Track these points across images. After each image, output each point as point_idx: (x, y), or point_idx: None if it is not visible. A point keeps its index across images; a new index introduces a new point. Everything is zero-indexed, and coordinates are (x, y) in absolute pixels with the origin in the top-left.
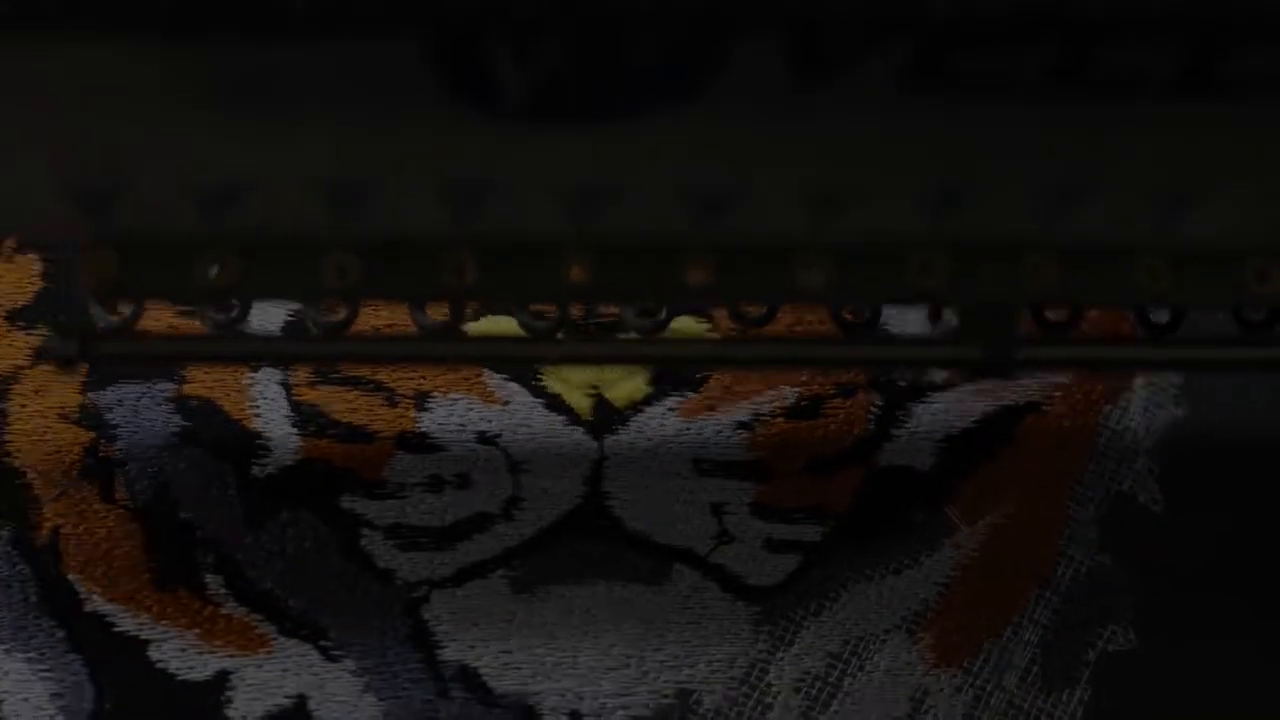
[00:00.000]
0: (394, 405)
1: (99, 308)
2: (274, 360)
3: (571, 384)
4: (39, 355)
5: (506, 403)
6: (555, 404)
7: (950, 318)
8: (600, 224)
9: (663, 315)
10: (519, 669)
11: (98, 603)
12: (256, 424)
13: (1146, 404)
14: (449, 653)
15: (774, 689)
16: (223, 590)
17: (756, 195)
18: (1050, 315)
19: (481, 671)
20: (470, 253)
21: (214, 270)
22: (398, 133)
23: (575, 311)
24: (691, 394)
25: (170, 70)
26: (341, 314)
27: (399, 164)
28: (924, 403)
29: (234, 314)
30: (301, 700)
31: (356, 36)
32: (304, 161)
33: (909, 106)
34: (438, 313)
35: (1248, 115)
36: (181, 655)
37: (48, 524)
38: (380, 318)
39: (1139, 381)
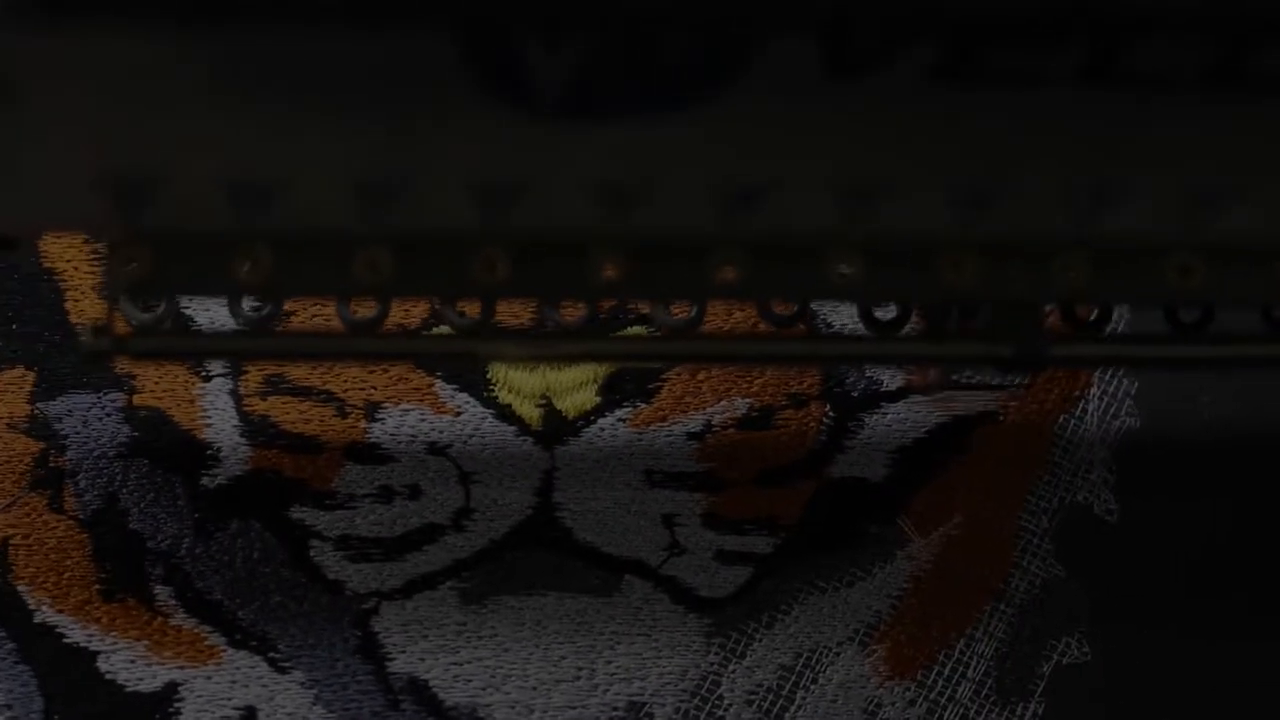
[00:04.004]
0: (344, 416)
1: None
2: (306, 357)
3: (522, 394)
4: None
5: (457, 413)
6: (506, 414)
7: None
8: (632, 221)
9: (693, 312)
10: (469, 681)
11: (47, 613)
12: (207, 434)
13: (1101, 414)
14: (399, 664)
15: (725, 701)
16: (172, 601)
17: (787, 192)
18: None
19: (431, 683)
20: (502, 249)
21: (246, 267)
22: (430, 128)
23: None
24: (643, 404)
25: (202, 63)
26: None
27: (431, 159)
28: (877, 413)
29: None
30: (251, 712)
31: (389, 30)
32: (337, 157)
33: (939, 102)
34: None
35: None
36: (130, 666)
37: None
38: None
39: (1093, 391)
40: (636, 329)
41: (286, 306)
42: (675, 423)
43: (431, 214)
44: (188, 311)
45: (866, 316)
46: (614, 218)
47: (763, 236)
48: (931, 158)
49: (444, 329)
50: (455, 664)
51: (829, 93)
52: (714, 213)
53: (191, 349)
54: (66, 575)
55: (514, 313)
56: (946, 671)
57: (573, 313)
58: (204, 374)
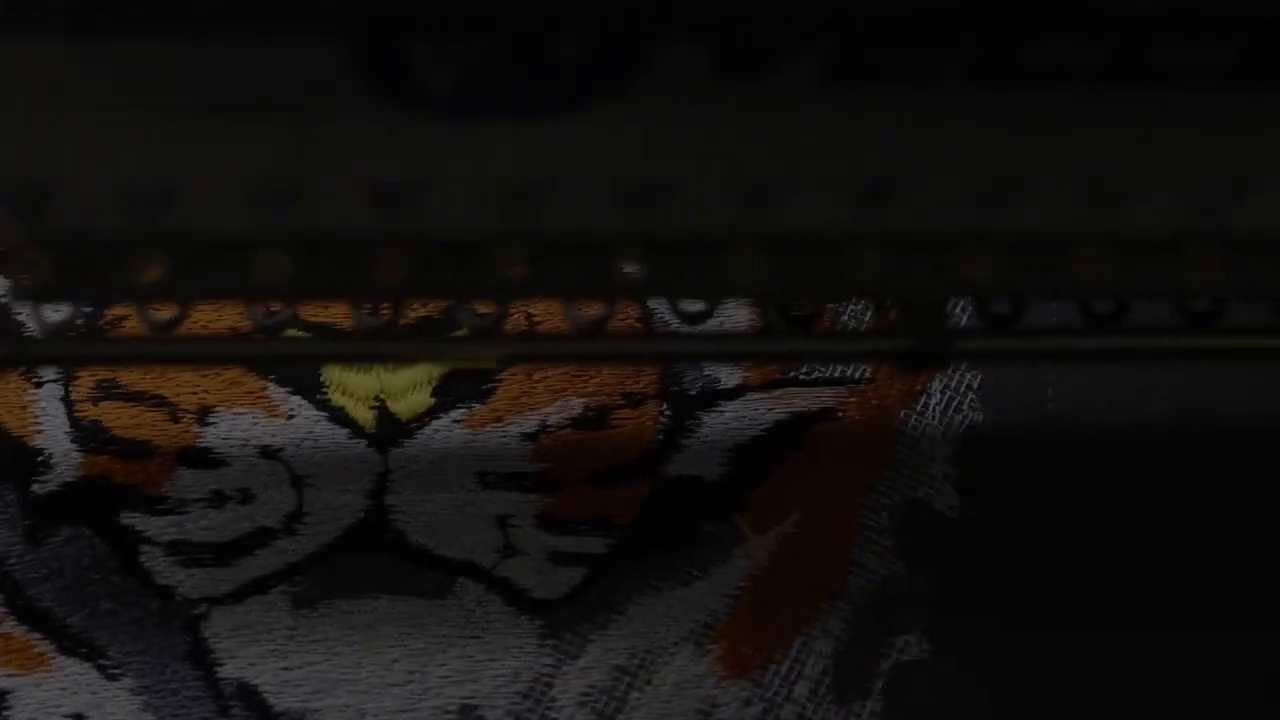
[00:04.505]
0: (177, 420)
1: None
2: (212, 361)
3: (355, 396)
4: None
5: (290, 416)
6: (339, 417)
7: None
8: (533, 220)
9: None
10: (299, 686)
11: None
12: (38, 440)
13: (943, 409)
14: (228, 670)
15: (559, 704)
16: (1, 609)
17: (688, 187)
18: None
19: (261, 689)
20: (404, 251)
21: (147, 271)
22: (324, 130)
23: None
24: (478, 405)
25: (95, 69)
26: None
27: (326, 162)
28: (714, 411)
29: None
30: (80, 719)
31: (280, 34)
32: (232, 161)
33: (834, 100)
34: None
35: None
36: None
37: None
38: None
39: (935, 386)
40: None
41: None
42: (510, 423)
43: (330, 216)
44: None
45: (784, 314)
46: (514, 217)
47: (664, 234)
48: (829, 154)
49: (291, 332)
50: (285, 669)
51: (724, 91)
52: (614, 211)
53: (99, 355)
54: None
55: (341, 312)
56: (784, 671)
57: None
58: (35, 380)
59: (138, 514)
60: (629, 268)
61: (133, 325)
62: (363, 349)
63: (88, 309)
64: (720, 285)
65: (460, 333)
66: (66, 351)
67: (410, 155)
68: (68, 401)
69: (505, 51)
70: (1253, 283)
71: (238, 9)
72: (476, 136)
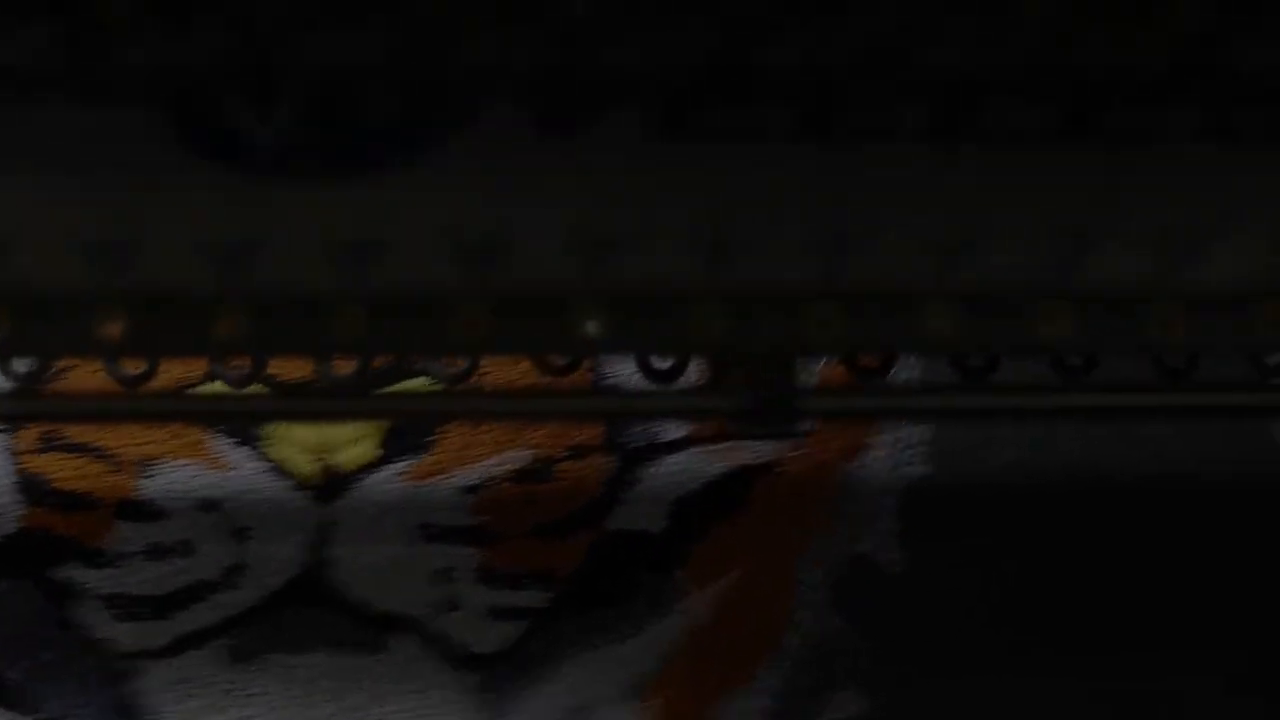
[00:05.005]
0: (117, 472)
1: None
2: (172, 418)
3: (298, 448)
4: None
5: (231, 468)
6: (281, 469)
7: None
8: (371, 278)
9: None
10: None
11: None
12: None
13: (889, 463)
14: None
15: None
16: None
17: (523, 241)
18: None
19: None
20: (243, 308)
21: None
22: (153, 192)
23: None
24: (421, 457)
25: None
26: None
27: (158, 223)
28: (657, 463)
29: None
30: None
31: (103, 100)
32: (64, 221)
33: (661, 157)
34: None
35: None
36: None
37: None
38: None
39: (881, 439)
40: (418, 381)
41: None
42: (453, 476)
43: (166, 276)
44: None
45: (645, 368)
46: (351, 275)
47: (504, 291)
48: (662, 210)
49: (216, 386)
50: None
51: (553, 148)
52: (453, 268)
53: (60, 411)
54: None
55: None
56: None
57: (343, 367)
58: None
59: (77, 567)
60: (472, 324)
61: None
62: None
63: None
64: (563, 342)
65: (411, 384)
66: None
67: (242, 215)
68: (12, 452)
69: (329, 112)
70: (1100, 338)
71: (64, 75)
72: (307, 196)
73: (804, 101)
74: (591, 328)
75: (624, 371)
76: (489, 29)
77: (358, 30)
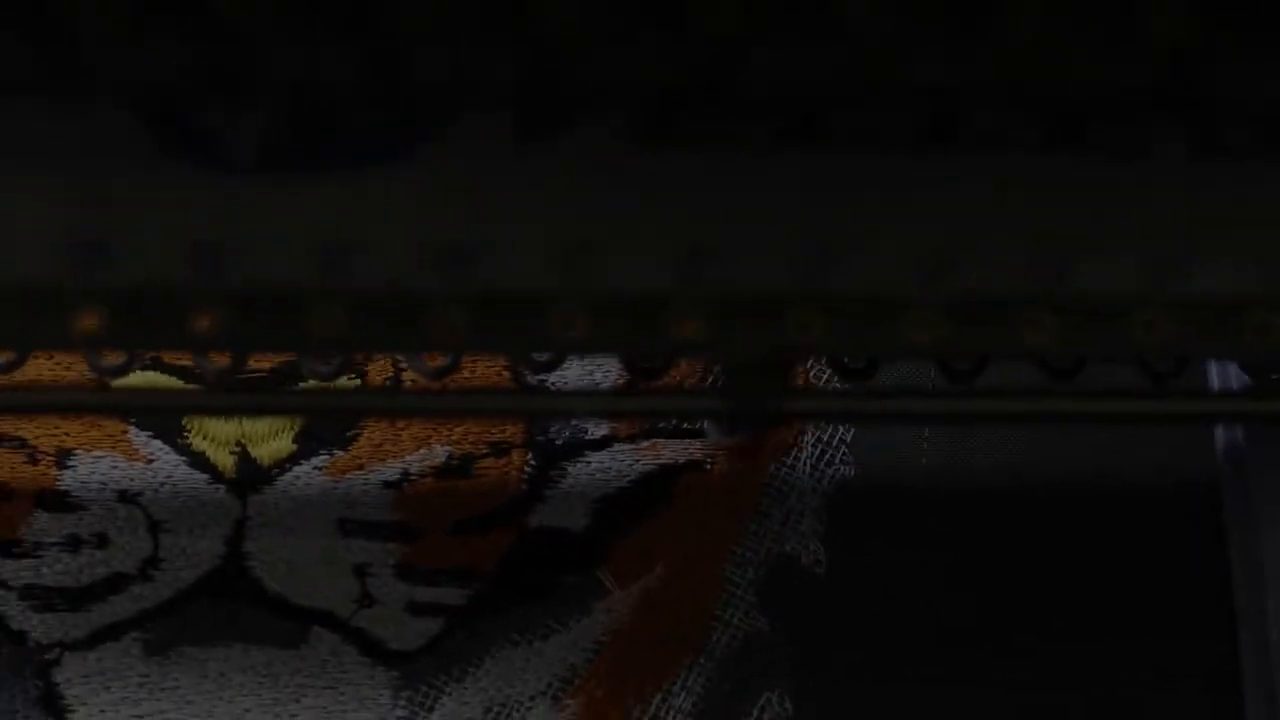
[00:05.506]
0: (35, 463)
1: None
2: (89, 411)
3: (217, 441)
4: None
5: (150, 460)
6: (199, 461)
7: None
8: (347, 278)
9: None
10: None
11: None
12: None
13: (814, 462)
14: (79, 717)
15: None
16: None
17: (501, 247)
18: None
19: None
20: (219, 303)
21: None
22: (132, 191)
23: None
24: (340, 452)
25: None
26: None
27: (135, 221)
28: (580, 461)
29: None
30: None
31: (82, 102)
32: (47, 218)
33: (641, 163)
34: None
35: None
36: None
37: None
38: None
39: (807, 439)
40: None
41: None
42: (372, 471)
43: (145, 272)
44: None
45: (630, 367)
46: (329, 273)
47: (480, 293)
48: (645, 216)
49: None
50: (137, 716)
51: (534, 154)
52: (427, 271)
53: None
54: None
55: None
56: None
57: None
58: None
59: None
60: (450, 324)
61: None
62: (222, 401)
63: None
64: (544, 342)
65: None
66: None
67: (219, 215)
68: None
69: (309, 115)
70: (1090, 344)
71: (43, 77)
72: (283, 196)
73: (788, 110)
74: (572, 331)
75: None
76: (468, 35)
77: (335, 34)
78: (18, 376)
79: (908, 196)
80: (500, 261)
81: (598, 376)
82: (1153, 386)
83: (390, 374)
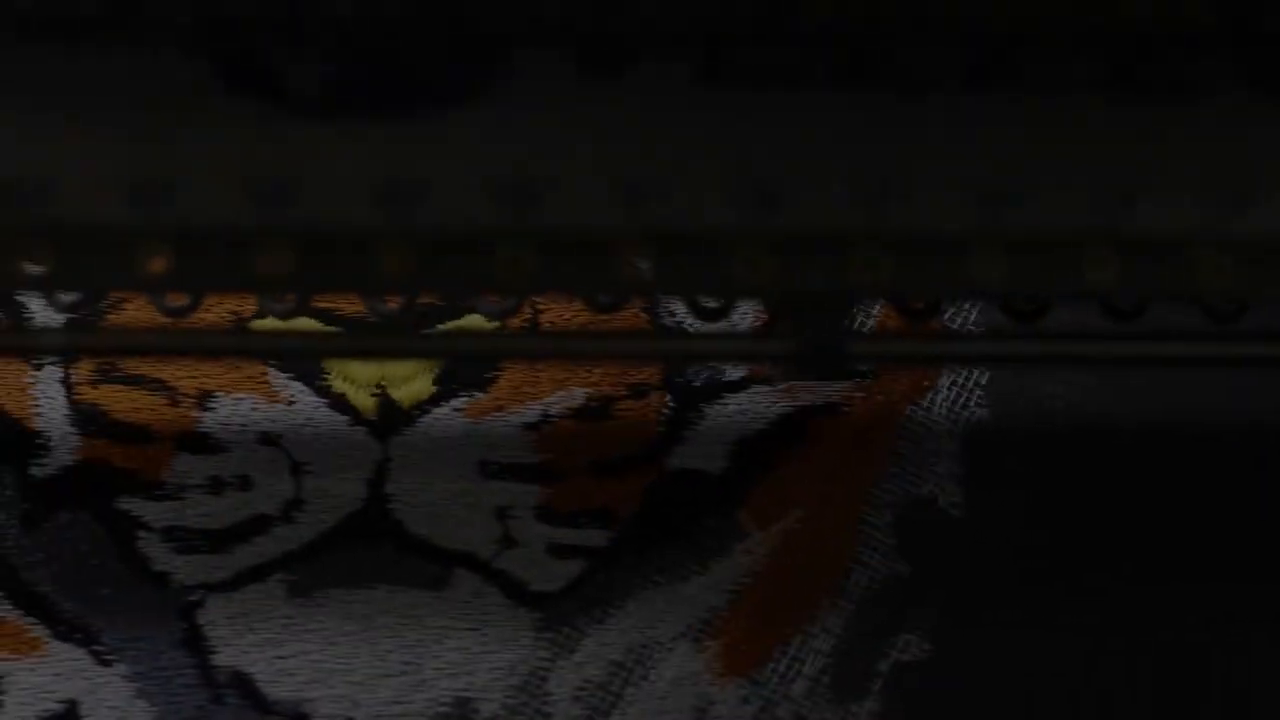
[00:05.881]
0: (176, 405)
1: None
2: (224, 354)
3: (357, 383)
4: None
5: (290, 402)
6: (339, 404)
7: None
8: (413, 218)
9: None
10: (294, 675)
11: None
12: (37, 423)
13: (950, 405)
14: (223, 658)
15: (554, 697)
16: None
17: (573, 184)
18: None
19: (256, 678)
20: (289, 244)
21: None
22: (197, 130)
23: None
24: (479, 394)
25: None
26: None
27: (201, 160)
28: (718, 404)
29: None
30: (73, 705)
31: (151, 43)
32: (111, 159)
33: (708, 102)
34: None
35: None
36: None
37: None
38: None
39: (943, 382)
40: (474, 317)
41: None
42: (512, 413)
43: (210, 212)
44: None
45: (695, 307)
46: (395, 215)
47: (549, 232)
48: (710, 154)
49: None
50: (280, 658)
51: (599, 93)
52: (494, 209)
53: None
54: None
55: (352, 304)
56: (781, 669)
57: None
58: (35, 362)
59: (136, 499)
60: (518, 264)
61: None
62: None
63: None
64: (610, 283)
65: (468, 321)
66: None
67: (285, 155)
68: (67, 384)
69: (373, 55)
70: (1147, 284)
71: (114, 19)
72: (349, 137)
73: (851, 47)
74: (644, 266)
75: (681, 310)
76: None
77: None
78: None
79: (971, 133)
80: (566, 201)
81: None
82: (1218, 328)
83: (529, 316)
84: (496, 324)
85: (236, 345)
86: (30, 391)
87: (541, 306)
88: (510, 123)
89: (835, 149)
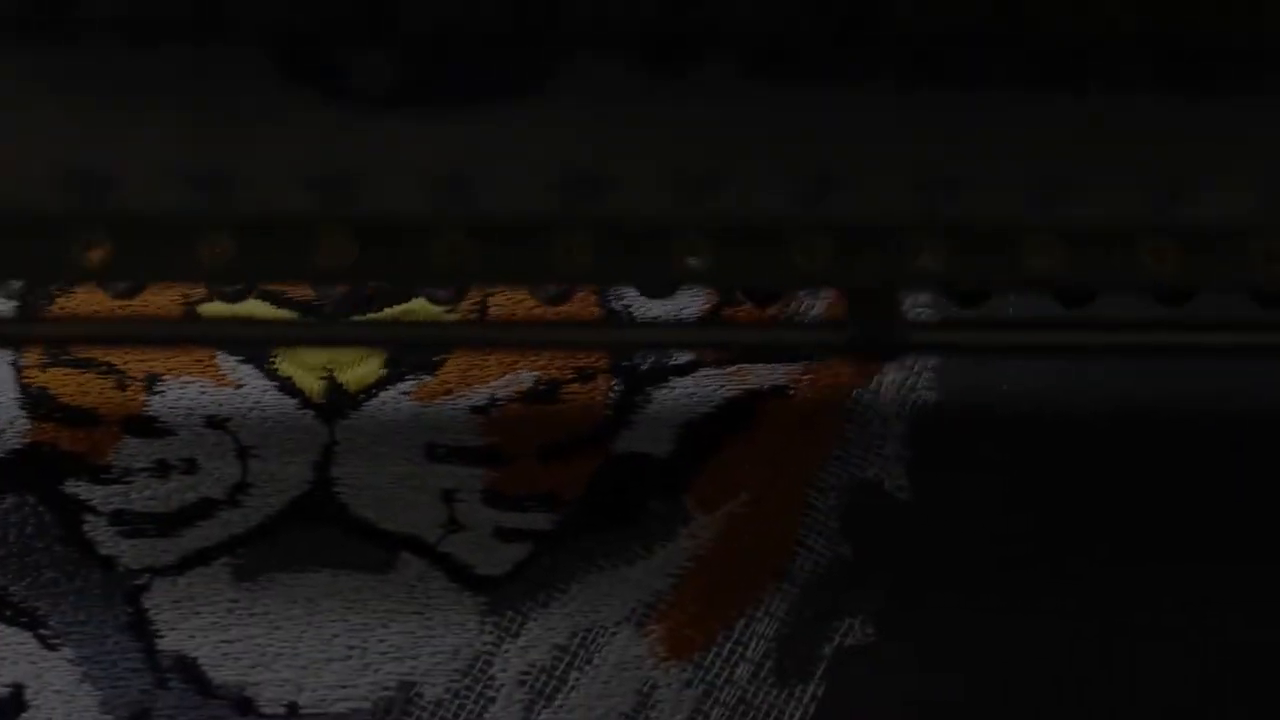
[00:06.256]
0: (124, 389)
1: None
2: (163, 343)
3: (305, 366)
4: None
5: (239, 385)
6: (287, 387)
7: None
8: (469, 206)
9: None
10: (238, 659)
11: None
12: None
13: (898, 389)
14: (168, 642)
15: (497, 681)
16: None
17: (629, 176)
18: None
19: (200, 661)
20: (349, 234)
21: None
22: (260, 123)
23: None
24: (427, 377)
25: (47, 71)
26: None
27: (265, 152)
28: (665, 387)
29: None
30: (18, 689)
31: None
32: (177, 152)
33: (768, 97)
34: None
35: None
36: None
37: None
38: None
39: (890, 366)
40: (419, 302)
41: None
42: (459, 396)
43: (272, 202)
44: None
45: (750, 295)
46: (451, 203)
47: (606, 223)
48: (771, 143)
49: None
50: (225, 642)
51: (657, 87)
52: (555, 199)
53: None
54: None
55: (298, 291)
56: (725, 652)
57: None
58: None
59: (83, 483)
60: (578, 254)
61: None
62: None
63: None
64: (669, 273)
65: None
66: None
67: (347, 146)
68: (16, 367)
69: (434, 50)
70: (1207, 275)
71: (182, 19)
72: (409, 128)
73: (907, 44)
74: (694, 260)
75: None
76: None
77: None
78: (109, 307)
79: (1024, 128)
80: (624, 193)
81: (683, 303)
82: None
83: (477, 302)
84: (446, 310)
85: (186, 333)
86: None
87: (490, 293)
88: (569, 116)
89: (891, 142)
